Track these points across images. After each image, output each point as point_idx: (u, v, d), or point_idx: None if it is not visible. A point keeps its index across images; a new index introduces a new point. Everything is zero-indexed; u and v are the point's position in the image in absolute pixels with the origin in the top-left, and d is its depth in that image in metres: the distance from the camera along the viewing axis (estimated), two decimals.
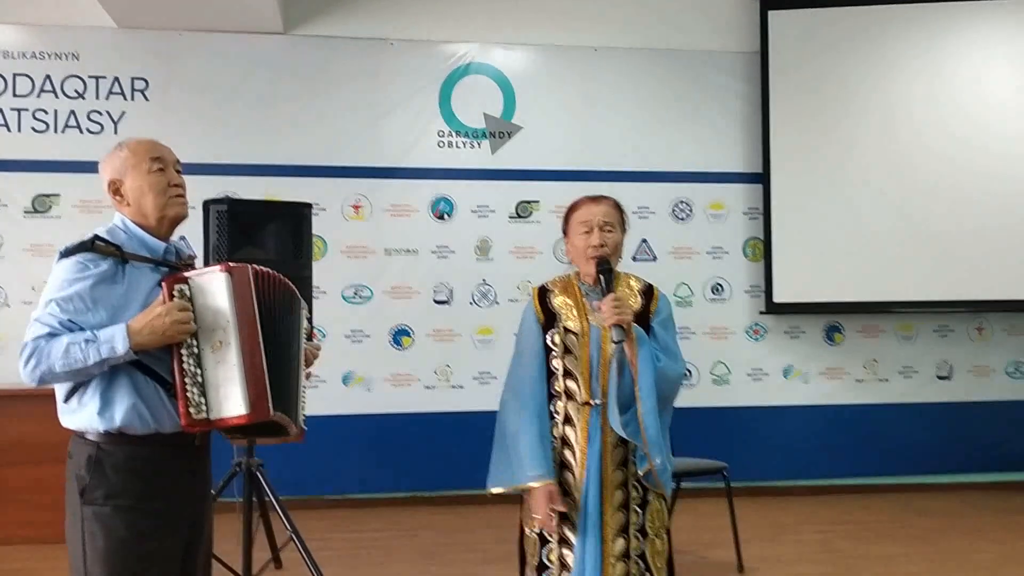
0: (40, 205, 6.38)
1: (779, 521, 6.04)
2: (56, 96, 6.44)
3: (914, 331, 7.23)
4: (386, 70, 6.74)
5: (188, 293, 2.55)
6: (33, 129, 6.41)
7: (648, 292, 3.03)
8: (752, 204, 7.07)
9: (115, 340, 2.46)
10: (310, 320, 2.89)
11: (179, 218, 2.73)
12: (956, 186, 6.94)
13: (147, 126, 6.38)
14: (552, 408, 2.93)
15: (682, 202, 7.02)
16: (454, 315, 6.74)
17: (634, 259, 6.80)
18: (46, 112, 6.43)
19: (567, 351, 2.93)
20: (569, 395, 2.92)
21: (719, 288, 7.04)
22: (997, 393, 7.24)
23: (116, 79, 6.49)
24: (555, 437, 2.92)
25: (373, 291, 6.67)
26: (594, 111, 6.93)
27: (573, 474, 2.90)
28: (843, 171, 6.95)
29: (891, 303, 7.03)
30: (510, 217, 6.84)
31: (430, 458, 6.61)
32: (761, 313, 7.04)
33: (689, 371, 6.74)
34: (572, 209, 3.05)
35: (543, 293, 3.04)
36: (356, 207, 6.68)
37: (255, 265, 2.69)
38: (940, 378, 7.23)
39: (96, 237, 2.58)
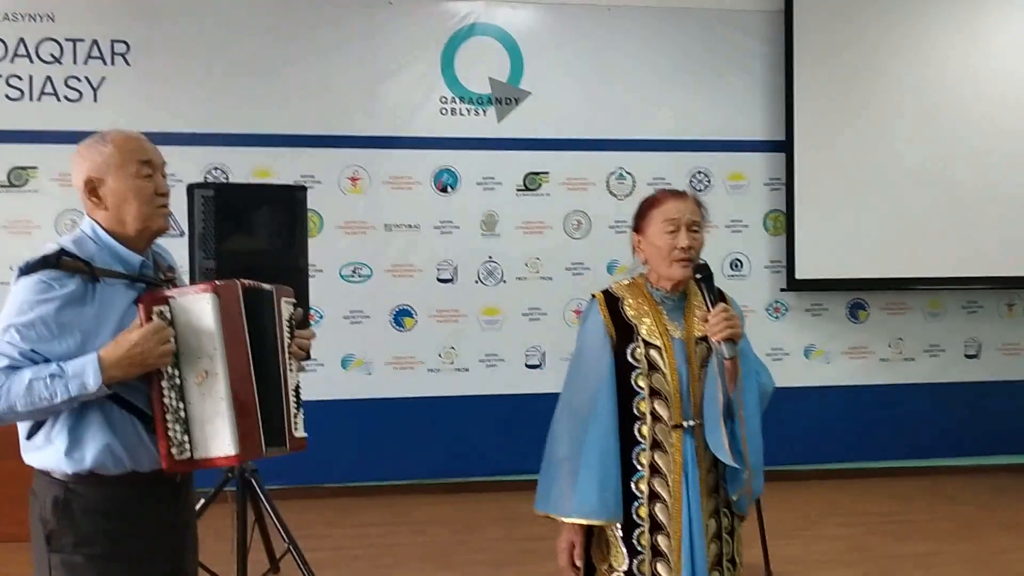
0: (16, 179, 5.97)
1: (805, 513, 5.73)
2: (31, 61, 6.00)
3: (941, 308, 6.89)
4: (384, 31, 6.29)
5: (169, 315, 2.22)
6: (7, 97, 5.97)
7: (720, 298, 2.67)
8: (774, 174, 6.67)
9: (85, 375, 2.14)
10: (297, 306, 2.52)
11: (161, 231, 2.39)
12: (989, 158, 6.59)
13: (129, 93, 6.02)
14: (636, 432, 2.58)
15: (700, 172, 6.63)
16: (459, 294, 6.37)
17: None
18: (20, 78, 5.99)
19: (652, 368, 2.58)
20: (656, 417, 2.58)
21: (738, 264, 6.67)
22: None
23: (95, 42, 6.04)
24: (642, 464, 2.58)
25: (373, 269, 6.29)
26: (607, 75, 6.50)
27: (667, 506, 2.57)
28: (871, 140, 6.56)
29: (918, 279, 6.68)
30: (518, 189, 6.44)
31: (433, 445, 6.29)
32: (782, 290, 6.68)
33: None
34: (651, 204, 2.66)
35: (611, 301, 2.67)
36: (353, 180, 6.28)
37: (243, 280, 2.35)
38: (968, 357, 6.91)
39: (62, 251, 2.23)
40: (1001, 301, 6.94)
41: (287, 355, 2.44)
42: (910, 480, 6.55)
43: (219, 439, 2.22)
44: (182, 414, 2.21)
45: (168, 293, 2.26)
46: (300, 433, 2.47)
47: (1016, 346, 6.95)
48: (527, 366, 6.42)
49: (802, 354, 6.73)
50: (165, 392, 2.21)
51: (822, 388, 6.67)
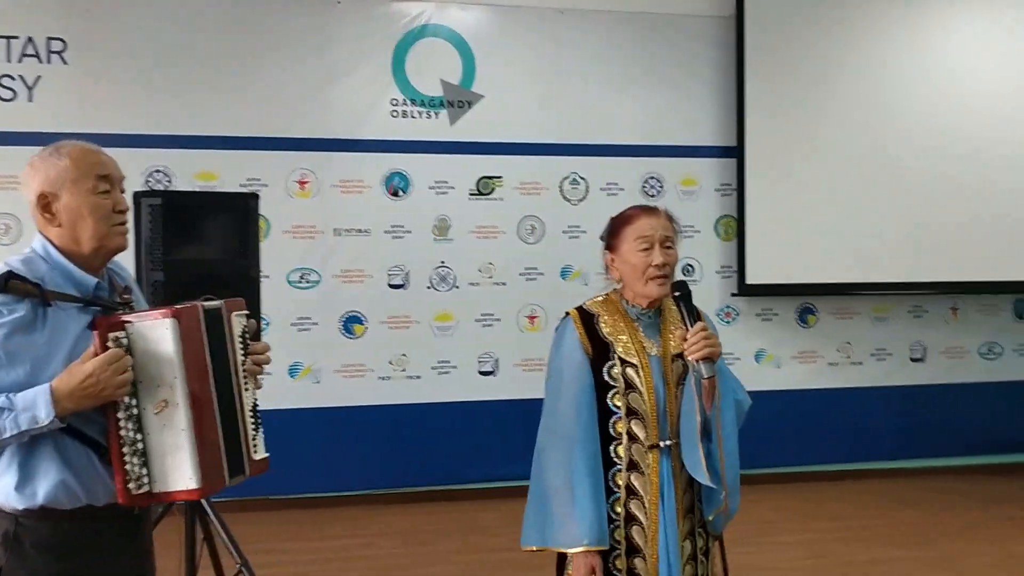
0: None
1: (759, 517, 5.74)
2: None
3: (888, 312, 6.97)
4: (333, 32, 6.15)
5: (126, 342, 2.08)
6: None
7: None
8: (725, 180, 6.69)
9: (36, 408, 2.01)
10: (250, 317, 2.41)
11: (118, 250, 2.26)
12: (934, 166, 6.69)
13: (66, 93, 5.80)
14: (612, 453, 2.52)
15: (652, 177, 6.61)
16: (410, 300, 6.26)
17: (602, 239, 6.36)
18: None
19: (628, 387, 2.52)
20: (632, 437, 2.52)
21: (689, 269, 6.66)
22: (971, 375, 7.08)
23: (30, 39, 5.79)
24: (618, 486, 2.52)
25: (321, 275, 6.15)
26: (560, 79, 6.44)
27: (643, 528, 2.51)
28: (820, 146, 6.61)
29: (866, 284, 6.76)
30: (470, 194, 6.34)
31: (385, 454, 6.18)
32: (733, 295, 6.72)
33: None
34: (624, 221, 2.60)
35: (587, 318, 2.60)
36: (302, 183, 6.13)
37: (204, 303, 2.22)
38: (914, 360, 7.01)
39: (10, 274, 2.08)
40: (946, 306, 7.06)
41: (242, 374, 2.33)
42: (860, 483, 6.63)
43: (180, 472, 2.10)
44: (140, 446, 2.09)
45: (125, 318, 2.12)
46: (260, 455, 2.37)
47: (959, 349, 7.07)
48: (480, 373, 6.33)
49: (753, 359, 6.77)
50: (122, 423, 2.08)
51: (773, 392, 6.66)
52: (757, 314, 6.80)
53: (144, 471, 2.09)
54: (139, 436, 2.09)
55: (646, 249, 2.53)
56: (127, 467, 2.07)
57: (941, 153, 6.66)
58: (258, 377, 2.42)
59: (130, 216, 3.68)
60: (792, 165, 6.59)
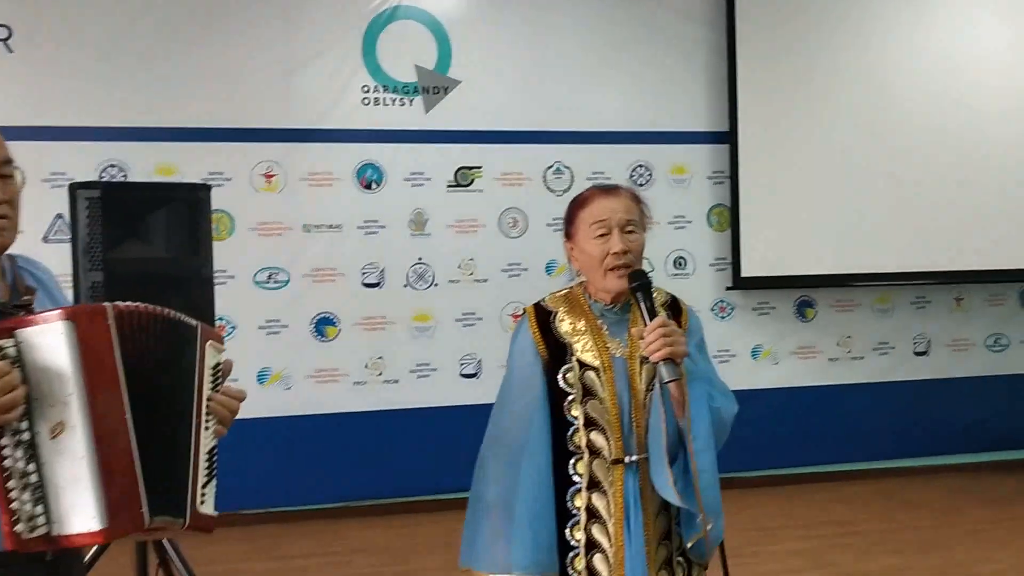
0: None
1: (759, 524, 5.41)
2: None
3: (890, 304, 6.67)
4: (299, 14, 5.80)
5: (14, 353, 1.71)
6: None
7: (674, 308, 2.32)
8: (717, 168, 6.38)
9: None
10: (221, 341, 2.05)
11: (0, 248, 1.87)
12: (936, 150, 6.41)
13: (11, 83, 5.45)
14: (571, 470, 2.20)
15: (641, 166, 6.28)
16: (386, 300, 5.92)
17: None
18: None
19: (587, 393, 2.19)
20: (593, 451, 2.19)
21: (681, 262, 6.35)
22: (977, 368, 6.81)
23: None
24: (577, 508, 2.20)
25: (290, 274, 5.80)
26: (542, 62, 6.11)
27: (607, 556, 2.18)
28: (818, 130, 6.31)
29: (866, 275, 6.46)
30: (448, 185, 6.01)
31: (361, 464, 5.83)
32: (728, 289, 6.40)
33: None
34: (579, 204, 2.28)
35: (543, 316, 2.28)
36: (268, 176, 5.78)
37: (120, 303, 1.84)
38: (917, 354, 6.71)
39: None
40: (950, 296, 6.78)
41: (204, 409, 1.95)
42: (865, 484, 6.32)
43: (80, 510, 1.72)
44: (32, 479, 1.71)
45: (14, 323, 1.75)
46: (207, 509, 1.95)
47: (964, 342, 6.79)
48: (462, 376, 6.01)
49: (750, 355, 6.46)
50: (7, 451, 1.70)
51: (771, 390, 6.41)
52: (753, 308, 6.50)
53: (39, 509, 1.72)
54: (32, 466, 1.71)
55: (603, 235, 2.21)
56: (14, 505, 1.69)
57: (944, 137, 6.38)
58: (224, 427, 2.04)
59: (69, 208, 3.36)
60: (788, 150, 6.28)
